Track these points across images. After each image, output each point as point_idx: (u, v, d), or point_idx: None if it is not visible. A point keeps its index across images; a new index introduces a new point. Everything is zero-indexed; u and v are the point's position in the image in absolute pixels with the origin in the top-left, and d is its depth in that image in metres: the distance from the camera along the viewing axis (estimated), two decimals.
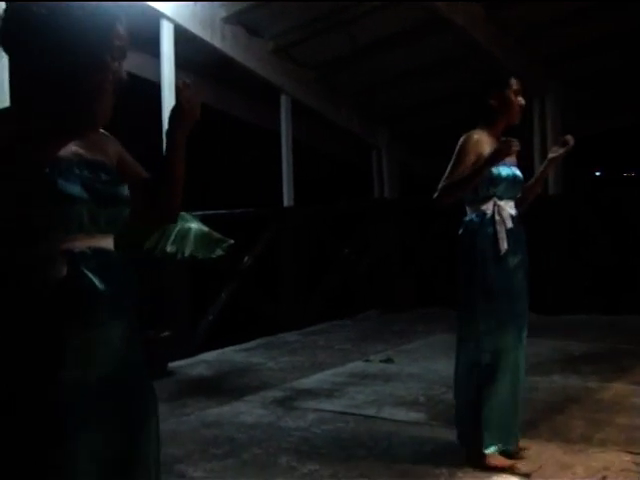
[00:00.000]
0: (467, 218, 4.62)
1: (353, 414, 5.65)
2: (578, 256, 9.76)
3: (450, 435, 4.98)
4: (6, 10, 2.07)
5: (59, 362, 1.98)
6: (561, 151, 4.68)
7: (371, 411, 5.72)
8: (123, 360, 2.12)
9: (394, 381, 6.63)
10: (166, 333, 7.01)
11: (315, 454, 4.80)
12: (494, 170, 4.43)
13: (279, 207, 9.59)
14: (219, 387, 6.70)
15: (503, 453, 4.48)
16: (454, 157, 4.53)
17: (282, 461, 4.69)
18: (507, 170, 4.53)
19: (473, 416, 4.44)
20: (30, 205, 1.97)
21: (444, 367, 7.00)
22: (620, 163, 15.63)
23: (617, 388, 6.09)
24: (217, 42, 8.49)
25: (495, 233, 4.47)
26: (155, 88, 7.95)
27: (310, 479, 4.38)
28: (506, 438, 4.49)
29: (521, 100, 4.64)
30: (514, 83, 4.64)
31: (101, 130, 2.24)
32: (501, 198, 4.52)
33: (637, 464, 4.40)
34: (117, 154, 2.27)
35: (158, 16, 7.77)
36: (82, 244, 2.04)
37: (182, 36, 7.98)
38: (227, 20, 8.53)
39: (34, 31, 2.03)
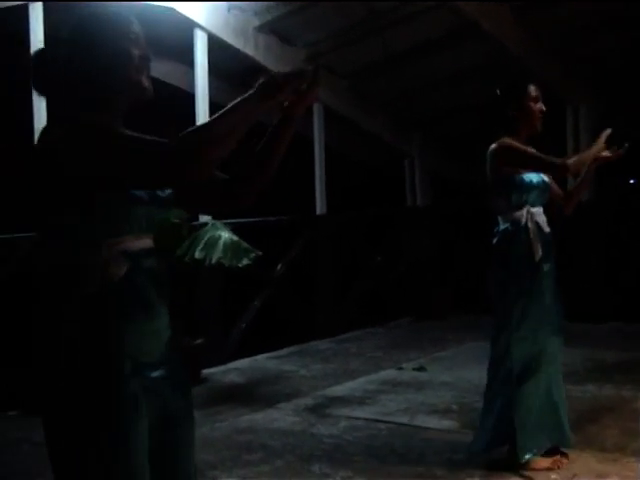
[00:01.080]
0: (501, 227, 4.69)
1: (385, 422, 5.66)
2: (612, 264, 9.68)
3: None
4: (37, 56, 2.34)
5: (121, 351, 2.15)
6: (607, 154, 4.65)
7: (404, 419, 5.73)
8: (169, 346, 2.31)
9: (426, 389, 6.63)
10: (199, 340, 7.06)
11: (348, 461, 4.82)
12: (525, 178, 4.54)
13: (312, 215, 9.61)
14: (252, 394, 6.72)
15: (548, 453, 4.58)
16: (511, 155, 4.58)
17: (315, 468, 4.71)
18: (537, 177, 4.62)
19: (510, 420, 4.49)
20: (92, 206, 2.11)
21: (476, 375, 6.97)
22: None
23: None
24: (250, 51, 8.53)
25: (529, 240, 4.53)
26: (189, 97, 8.02)
27: None
28: (545, 439, 4.56)
29: (541, 106, 4.66)
30: (532, 90, 4.67)
31: None
32: (533, 205, 4.60)
33: None
34: None
35: (192, 25, 7.83)
36: (138, 244, 2.21)
37: (215, 45, 8.03)
38: (260, 29, 8.57)
39: (67, 60, 2.25)
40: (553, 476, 4.40)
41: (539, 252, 4.53)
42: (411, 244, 11.05)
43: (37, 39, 6.57)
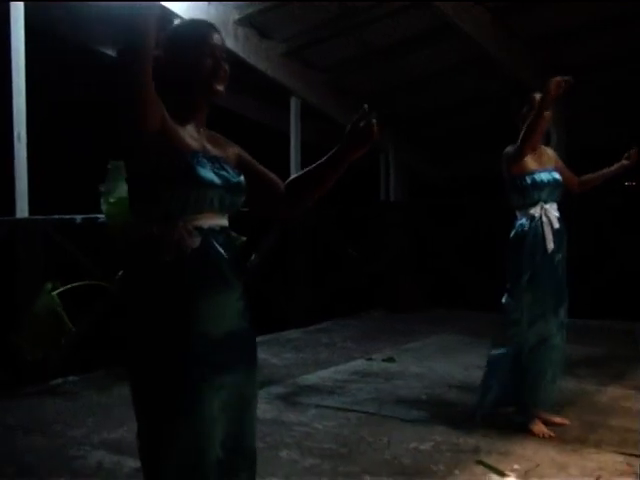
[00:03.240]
0: (518, 222, 5.17)
1: (354, 411, 5.69)
2: (581, 261, 9.76)
3: (449, 433, 5.05)
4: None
5: (197, 317, 2.42)
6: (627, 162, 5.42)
7: (372, 408, 5.76)
8: (240, 316, 2.57)
9: (395, 379, 6.67)
10: None
11: (316, 449, 4.84)
12: (536, 177, 5.07)
13: None
14: None
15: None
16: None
17: (284, 455, 4.73)
18: (548, 176, 5.11)
19: (518, 393, 5.16)
20: (173, 187, 2.40)
21: (445, 367, 7.07)
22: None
23: (612, 391, 6.12)
24: (229, 43, 8.49)
25: (543, 233, 5.02)
26: None
27: (311, 473, 4.42)
28: (543, 403, 5.20)
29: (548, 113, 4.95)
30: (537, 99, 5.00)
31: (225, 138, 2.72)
32: (546, 202, 5.10)
33: (630, 465, 4.44)
34: (236, 155, 2.72)
35: (172, 17, 7.80)
36: (211, 221, 2.50)
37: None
38: (240, 22, 8.56)
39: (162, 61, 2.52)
40: (516, 466, 4.44)
41: (551, 245, 5.02)
42: (383, 239, 11.10)
43: (18, 40, 6.53)
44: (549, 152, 5.34)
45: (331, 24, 8.76)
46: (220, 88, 2.58)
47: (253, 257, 8.97)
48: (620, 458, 4.55)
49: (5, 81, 6.49)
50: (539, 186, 5.07)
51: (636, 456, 4.57)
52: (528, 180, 5.06)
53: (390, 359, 7.44)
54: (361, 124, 2.82)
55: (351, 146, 2.79)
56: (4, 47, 6.52)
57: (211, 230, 2.50)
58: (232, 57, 8.54)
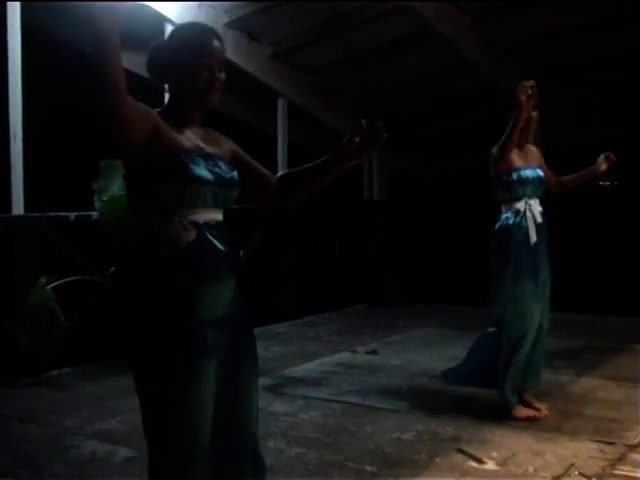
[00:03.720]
0: (503, 216, 5.29)
1: (339, 401, 5.72)
2: (558, 258, 9.82)
3: (430, 423, 5.09)
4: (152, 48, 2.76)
5: (192, 306, 2.51)
6: (604, 167, 5.52)
7: (356, 399, 5.79)
8: (233, 306, 2.66)
9: (379, 371, 6.70)
10: None
11: (302, 438, 4.87)
12: (522, 173, 5.20)
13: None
14: None
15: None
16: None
17: (271, 444, 4.75)
18: (532, 172, 5.25)
19: (501, 375, 5.21)
20: (168, 184, 2.49)
21: (426, 359, 7.11)
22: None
23: (587, 382, 6.18)
24: None
25: (527, 227, 5.16)
26: (159, 88, 7.98)
27: (297, 461, 4.45)
28: (523, 383, 5.31)
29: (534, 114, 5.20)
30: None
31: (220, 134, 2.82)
32: (530, 197, 5.23)
33: (602, 452, 4.49)
34: (231, 150, 2.79)
35: (162, 20, 7.81)
36: (206, 216, 2.58)
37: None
38: (229, 25, 8.57)
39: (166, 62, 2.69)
40: (494, 454, 4.49)
41: (534, 237, 5.13)
42: (367, 235, 11.13)
43: (14, 40, 6.52)
44: (534, 150, 5.46)
45: (318, 28, 8.79)
46: (214, 99, 2.67)
47: (242, 253, 8.98)
48: (594, 446, 4.60)
49: (1, 81, 6.48)
50: (524, 182, 5.20)
51: (609, 443, 4.62)
52: (514, 176, 5.19)
53: (374, 352, 7.48)
54: (357, 137, 2.95)
55: (347, 155, 2.87)
56: (0, 47, 6.51)
57: (206, 224, 2.57)
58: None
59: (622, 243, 9.71)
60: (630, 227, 9.63)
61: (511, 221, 5.22)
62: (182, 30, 2.73)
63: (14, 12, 6.56)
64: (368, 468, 4.33)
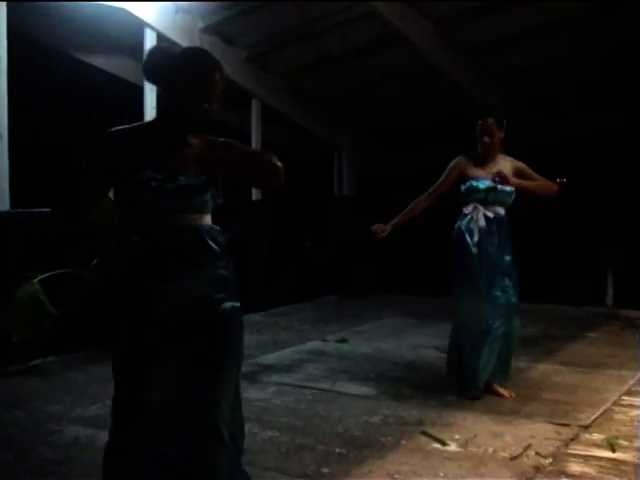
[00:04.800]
0: (459, 218, 5.46)
1: (310, 387, 5.73)
2: (520, 250, 9.88)
3: (396, 407, 5.11)
4: (151, 52, 2.83)
5: (154, 299, 2.69)
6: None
7: (326, 385, 5.80)
8: (200, 301, 2.79)
9: (348, 359, 6.72)
10: None
11: (275, 422, 4.87)
12: (474, 183, 5.36)
13: (248, 200, 9.62)
14: None
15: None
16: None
17: (245, 428, 4.74)
18: (483, 184, 5.35)
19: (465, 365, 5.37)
20: (131, 193, 2.69)
21: (392, 347, 7.14)
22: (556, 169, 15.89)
23: (543, 368, 6.24)
24: None
25: (472, 229, 5.33)
26: (139, 90, 7.95)
27: (270, 444, 4.45)
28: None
29: (486, 140, 5.37)
30: (479, 126, 5.36)
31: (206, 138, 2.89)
32: (484, 203, 5.36)
33: (558, 433, 4.54)
34: (199, 154, 2.82)
35: (142, 25, 7.77)
36: (153, 221, 2.71)
37: (164, 43, 7.97)
38: (205, 30, 8.54)
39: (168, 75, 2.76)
40: (456, 436, 4.51)
41: (475, 238, 5.30)
42: (337, 229, 11.15)
43: (1, 43, 6.44)
44: (506, 164, 5.47)
45: (289, 33, 8.78)
46: (204, 127, 2.81)
47: None
48: (550, 427, 4.65)
49: None
50: (472, 191, 5.38)
51: (564, 425, 4.67)
52: (467, 185, 5.40)
53: (343, 340, 7.50)
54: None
55: None
56: None
57: (154, 228, 2.71)
58: None
59: (577, 235, 9.78)
60: (585, 219, 9.72)
61: (460, 224, 5.42)
62: (192, 58, 2.78)
63: (0, 15, 6.48)
64: (337, 450, 4.34)
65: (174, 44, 8.11)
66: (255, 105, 9.64)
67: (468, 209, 5.41)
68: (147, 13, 7.73)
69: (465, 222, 5.39)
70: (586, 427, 4.65)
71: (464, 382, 5.38)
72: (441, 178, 5.50)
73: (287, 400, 5.40)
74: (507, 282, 5.40)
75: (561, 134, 10.33)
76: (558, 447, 4.31)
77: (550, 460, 4.11)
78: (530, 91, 9.77)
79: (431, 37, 8.58)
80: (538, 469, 3.98)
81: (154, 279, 2.71)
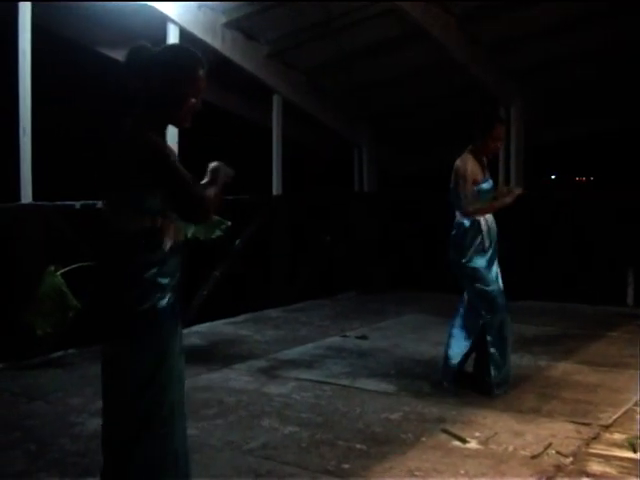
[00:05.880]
0: (458, 221, 5.48)
1: (330, 383, 5.73)
2: (536, 248, 9.83)
3: (416, 404, 5.10)
4: (133, 50, 2.82)
5: (150, 293, 2.74)
6: (509, 200, 5.56)
7: (346, 381, 5.80)
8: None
9: (367, 355, 6.71)
10: None
11: (295, 418, 4.88)
12: (483, 186, 5.42)
13: (269, 195, 9.62)
14: (210, 355, 6.75)
15: None
16: (456, 177, 5.45)
17: (265, 423, 4.76)
18: (488, 185, 5.50)
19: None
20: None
21: (413, 344, 7.12)
22: (574, 169, 15.92)
23: (564, 367, 6.20)
24: (217, 45, 8.50)
25: (481, 232, 5.37)
26: None
27: (290, 440, 4.46)
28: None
29: (499, 145, 5.56)
30: (497, 131, 5.43)
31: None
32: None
33: (578, 432, 4.52)
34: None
35: (165, 20, 7.79)
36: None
37: (186, 38, 8.00)
38: (227, 25, 8.54)
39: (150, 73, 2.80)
40: (477, 434, 4.50)
41: (487, 242, 5.38)
42: (357, 226, 11.12)
43: (25, 40, 6.48)
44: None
45: (312, 29, 8.77)
46: (189, 124, 2.86)
47: (237, 242, 8.97)
48: (570, 426, 4.63)
49: (12, 78, 6.45)
50: (482, 193, 5.43)
51: (585, 424, 4.65)
52: (477, 187, 5.41)
53: (363, 337, 7.49)
54: None
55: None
56: (12, 46, 6.47)
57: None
58: (220, 57, 8.59)
59: (597, 235, 9.72)
60: (605, 218, 9.65)
61: (466, 227, 5.43)
62: (177, 55, 2.85)
63: (25, 11, 6.51)
64: (358, 446, 4.34)
65: (197, 39, 8.15)
66: (276, 101, 9.62)
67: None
68: (170, 8, 7.75)
69: (474, 226, 5.41)
70: (607, 427, 4.63)
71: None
72: (463, 180, 5.37)
73: (307, 396, 5.41)
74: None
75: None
76: (579, 446, 4.29)
77: (571, 459, 4.09)
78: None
79: (454, 33, 8.55)
80: (559, 468, 3.97)
81: (177, 274, 2.90)
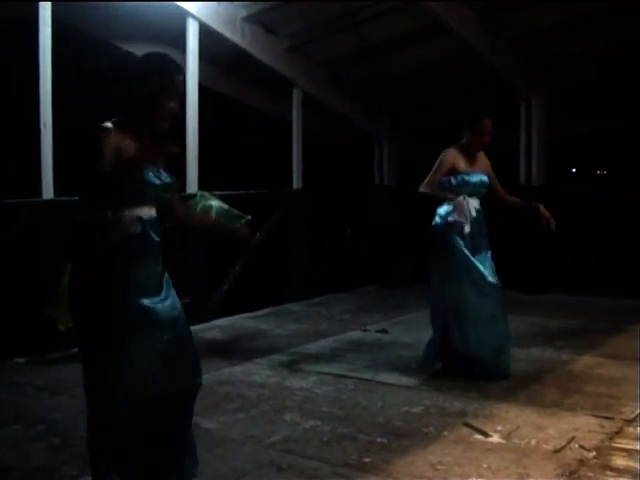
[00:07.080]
0: (442, 208, 5.81)
1: (351, 377, 5.73)
2: (558, 242, 9.79)
3: (437, 398, 5.10)
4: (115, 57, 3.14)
5: (132, 282, 3.03)
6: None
7: (367, 375, 5.80)
8: (159, 286, 3.19)
9: (388, 349, 6.71)
10: (186, 300, 7.05)
11: (316, 411, 4.89)
12: (465, 177, 5.68)
13: (289, 189, 9.63)
14: (231, 350, 6.78)
15: None
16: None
17: (287, 417, 4.77)
18: (476, 177, 5.71)
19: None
20: (126, 186, 2.95)
21: None
22: (594, 162, 15.86)
23: (586, 360, 6.17)
24: (237, 39, 8.52)
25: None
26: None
27: (312, 434, 4.47)
28: None
29: (487, 139, 5.69)
30: (484, 126, 5.64)
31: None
32: (471, 195, 5.68)
33: (601, 426, 4.50)
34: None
35: (185, 15, 7.81)
36: (148, 212, 3.10)
37: (206, 33, 8.02)
38: (247, 19, 8.56)
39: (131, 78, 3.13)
40: (499, 428, 4.49)
41: (467, 229, 5.60)
42: (377, 219, 11.11)
43: (45, 37, 6.51)
44: (485, 160, 5.88)
45: (331, 22, 8.76)
46: (165, 127, 3.11)
47: (258, 235, 8.98)
48: (593, 420, 4.61)
49: (33, 74, 6.49)
50: (465, 183, 5.69)
51: (608, 418, 4.63)
52: (459, 178, 5.70)
53: (383, 331, 7.49)
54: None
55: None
56: (33, 44, 6.52)
57: (149, 219, 3.10)
58: (239, 51, 8.62)
59: (619, 227, 9.66)
60: (628, 211, 9.59)
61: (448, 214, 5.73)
62: (156, 63, 3.11)
63: (45, 7, 6.55)
64: (379, 440, 4.35)
65: (216, 33, 8.17)
66: (296, 94, 9.62)
67: (459, 199, 5.65)
68: (190, 3, 7.78)
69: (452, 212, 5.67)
70: (630, 421, 4.60)
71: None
72: (435, 167, 5.73)
73: (328, 390, 5.42)
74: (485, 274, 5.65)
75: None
76: (602, 440, 4.27)
77: (594, 453, 4.07)
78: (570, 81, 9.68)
79: (475, 26, 8.51)
80: (582, 462, 3.95)
81: (136, 269, 3.12)
